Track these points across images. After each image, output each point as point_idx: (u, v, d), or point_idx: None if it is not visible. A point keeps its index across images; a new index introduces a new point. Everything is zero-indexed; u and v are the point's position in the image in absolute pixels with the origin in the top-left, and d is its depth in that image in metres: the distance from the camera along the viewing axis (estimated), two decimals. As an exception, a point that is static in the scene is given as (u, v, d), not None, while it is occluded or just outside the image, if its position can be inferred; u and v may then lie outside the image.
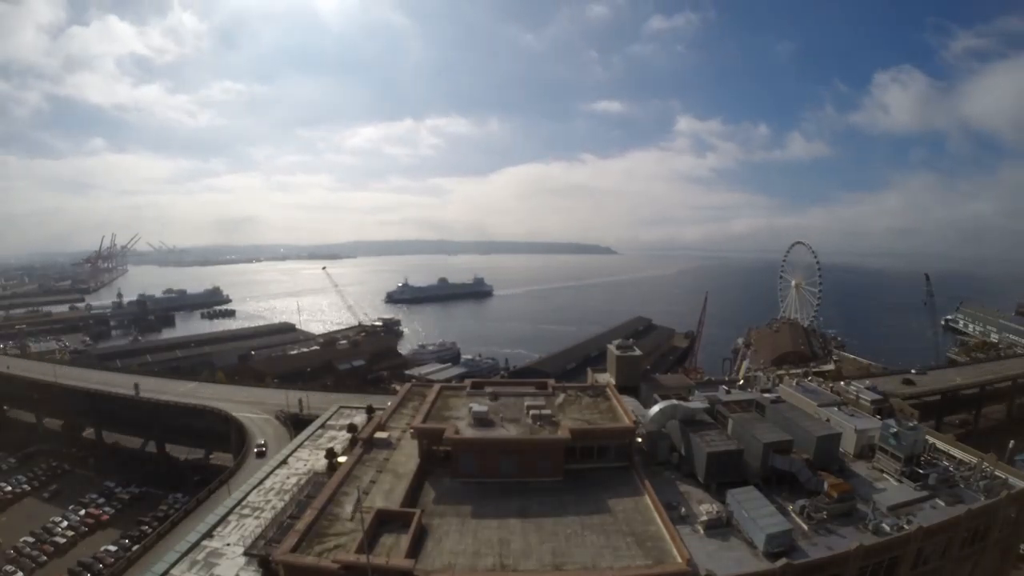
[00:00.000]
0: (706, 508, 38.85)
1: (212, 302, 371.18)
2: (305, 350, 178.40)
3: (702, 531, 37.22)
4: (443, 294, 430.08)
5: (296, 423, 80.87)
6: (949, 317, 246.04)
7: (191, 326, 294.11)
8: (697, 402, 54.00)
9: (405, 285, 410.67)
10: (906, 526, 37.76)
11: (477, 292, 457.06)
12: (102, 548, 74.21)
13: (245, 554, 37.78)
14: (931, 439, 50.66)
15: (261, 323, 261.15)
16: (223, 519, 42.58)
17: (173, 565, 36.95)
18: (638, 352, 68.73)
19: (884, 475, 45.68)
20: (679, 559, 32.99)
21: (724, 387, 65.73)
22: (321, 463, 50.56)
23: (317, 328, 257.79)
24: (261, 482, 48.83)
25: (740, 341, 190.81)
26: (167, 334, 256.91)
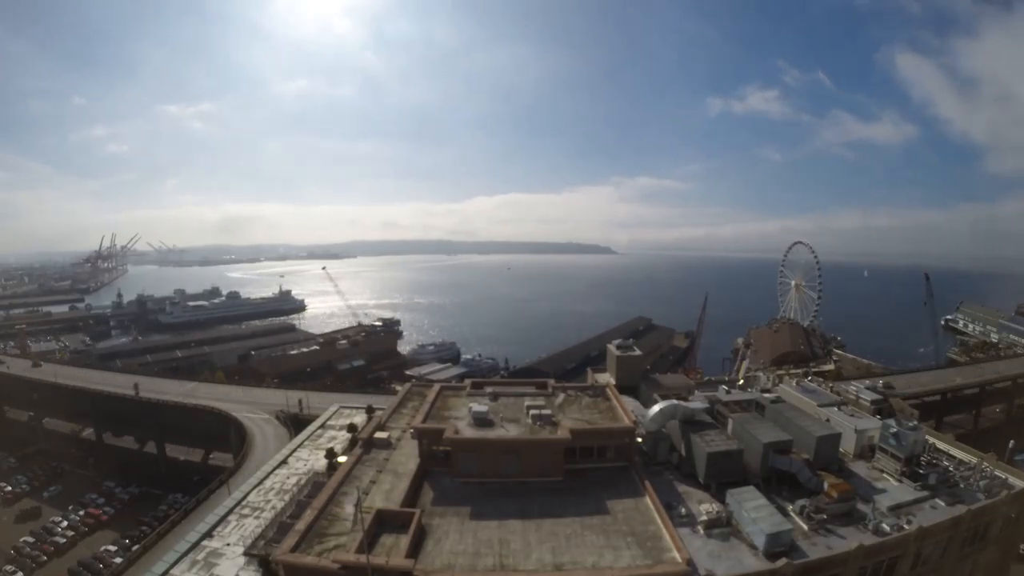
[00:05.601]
0: (706, 508, 38.87)
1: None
2: (305, 350, 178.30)
3: (702, 531, 37.20)
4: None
5: (296, 423, 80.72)
6: (949, 317, 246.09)
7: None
8: (697, 402, 54.03)
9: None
10: (906, 526, 37.79)
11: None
12: (102, 548, 74.17)
13: (245, 554, 37.75)
14: (931, 439, 50.65)
15: (264, 323, 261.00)
16: (223, 519, 42.56)
17: (173, 565, 36.92)
18: (638, 352, 68.79)
19: (884, 475, 45.67)
20: (679, 559, 33.01)
21: (724, 387, 65.63)
22: (321, 463, 50.54)
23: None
24: (261, 482, 48.81)
25: (740, 341, 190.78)
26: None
